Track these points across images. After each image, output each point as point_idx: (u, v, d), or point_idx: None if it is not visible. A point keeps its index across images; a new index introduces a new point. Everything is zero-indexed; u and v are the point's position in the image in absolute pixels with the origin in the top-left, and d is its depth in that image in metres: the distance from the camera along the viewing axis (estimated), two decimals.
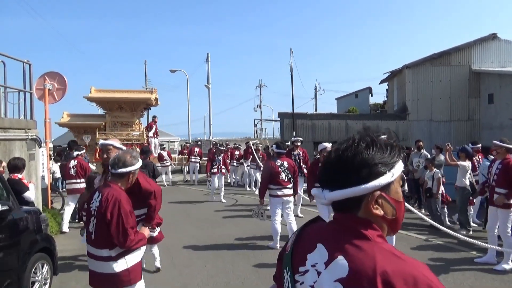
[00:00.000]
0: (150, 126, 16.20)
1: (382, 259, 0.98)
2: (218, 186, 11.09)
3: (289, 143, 10.42)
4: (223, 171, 11.27)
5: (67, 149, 10.15)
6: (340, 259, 1.03)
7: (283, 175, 6.22)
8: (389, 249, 1.02)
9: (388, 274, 0.94)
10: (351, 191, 1.08)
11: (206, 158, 13.84)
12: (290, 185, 6.31)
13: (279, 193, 6.21)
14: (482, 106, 14.50)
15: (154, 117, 16.63)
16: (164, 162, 14.64)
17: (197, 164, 15.02)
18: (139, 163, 3.10)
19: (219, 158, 11.19)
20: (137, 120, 16.03)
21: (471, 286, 4.59)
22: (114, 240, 2.82)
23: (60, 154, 11.98)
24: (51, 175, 10.23)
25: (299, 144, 9.37)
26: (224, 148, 11.79)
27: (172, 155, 16.72)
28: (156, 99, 16.48)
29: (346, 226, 1.10)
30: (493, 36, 14.74)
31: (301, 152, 9.20)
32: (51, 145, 13.51)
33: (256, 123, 32.42)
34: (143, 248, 3.20)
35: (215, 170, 11.01)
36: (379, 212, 1.08)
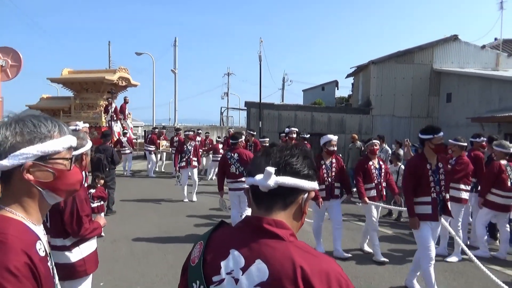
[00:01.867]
0: (122, 108, 15.25)
1: (298, 258, 0.99)
2: (190, 183, 9.30)
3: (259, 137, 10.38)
4: (194, 163, 9.27)
5: None
6: (258, 263, 1.01)
7: (233, 168, 6.07)
8: (303, 247, 1.04)
9: (307, 273, 0.97)
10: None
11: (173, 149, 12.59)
12: (243, 178, 5.91)
13: (232, 186, 6.08)
14: (441, 104, 15.13)
15: (124, 98, 15.90)
16: (124, 149, 13.12)
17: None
18: (89, 143, 2.96)
19: (189, 147, 9.19)
20: (102, 102, 15.32)
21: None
22: (67, 229, 2.68)
23: None
24: None
25: (294, 135, 8.54)
26: (190, 133, 9.75)
27: (138, 141, 16.32)
28: (123, 78, 15.68)
29: (257, 228, 1.07)
30: (454, 38, 15.35)
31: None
32: None
33: (222, 111, 32.22)
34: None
35: (184, 163, 9.10)
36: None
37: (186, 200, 9.02)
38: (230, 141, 6.34)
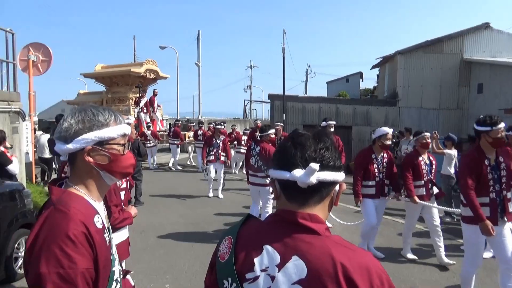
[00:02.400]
0: (151, 100, 15.40)
1: (338, 254, 0.96)
2: (216, 178, 8.91)
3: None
4: (222, 158, 8.91)
5: (55, 123, 9.91)
6: (295, 259, 0.97)
7: (253, 160, 5.91)
8: (340, 242, 1.00)
9: (347, 269, 0.93)
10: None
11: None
12: (263, 174, 5.71)
13: (251, 180, 5.91)
14: (471, 95, 14.60)
15: (153, 90, 15.99)
16: (148, 142, 12.92)
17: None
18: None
19: (218, 141, 8.92)
20: (131, 95, 15.62)
21: (453, 272, 4.67)
22: None
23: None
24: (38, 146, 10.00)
25: (332, 130, 7.18)
26: (222, 127, 9.43)
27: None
28: (150, 71, 15.72)
29: (291, 222, 1.02)
30: (486, 26, 14.73)
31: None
32: (36, 118, 13.19)
33: (245, 104, 32.24)
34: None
35: (212, 157, 8.80)
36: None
37: (210, 195, 8.81)
38: (257, 133, 6.22)
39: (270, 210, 5.82)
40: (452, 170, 7.39)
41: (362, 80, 27.49)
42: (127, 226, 2.98)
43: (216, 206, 7.96)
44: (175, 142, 13.38)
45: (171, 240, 5.74)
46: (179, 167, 13.35)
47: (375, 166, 5.03)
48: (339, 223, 6.14)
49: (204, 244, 5.56)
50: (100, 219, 1.27)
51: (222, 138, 8.99)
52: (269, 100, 16.28)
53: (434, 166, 5.16)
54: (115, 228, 2.86)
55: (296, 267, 0.97)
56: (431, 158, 5.22)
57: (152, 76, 16.00)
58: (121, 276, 1.42)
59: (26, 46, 8.75)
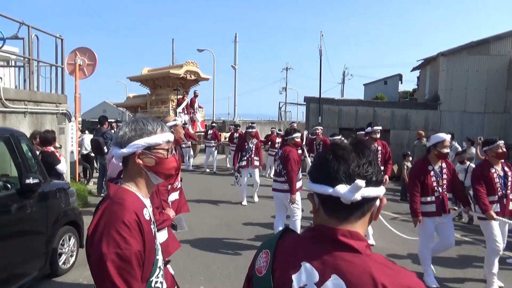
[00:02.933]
0: (191, 102, 15.66)
1: (379, 274, 0.93)
2: (251, 183, 8.56)
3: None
4: (256, 163, 8.53)
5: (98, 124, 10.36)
6: (334, 278, 0.95)
7: (275, 164, 5.71)
8: (381, 261, 0.97)
9: None
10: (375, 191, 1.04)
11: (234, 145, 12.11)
12: (282, 179, 5.30)
13: (274, 185, 5.52)
14: None
15: (194, 91, 16.17)
16: (183, 143, 12.69)
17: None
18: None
19: (251, 145, 8.48)
20: (173, 97, 15.73)
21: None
22: None
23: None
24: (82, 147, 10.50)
25: (378, 136, 6.25)
26: (253, 130, 8.78)
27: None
28: (191, 72, 15.72)
29: (330, 239, 1.00)
30: None
31: (379, 147, 6.21)
32: (79, 119, 13.85)
33: (280, 106, 32.18)
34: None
35: (244, 162, 8.37)
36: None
37: (244, 203, 8.31)
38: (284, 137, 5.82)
39: (299, 218, 5.41)
40: None
41: (401, 83, 26.68)
42: (166, 227, 3.07)
43: (250, 210, 8.01)
44: (211, 144, 13.40)
45: (205, 241, 5.84)
46: (214, 170, 13.27)
47: (433, 178, 4.36)
48: (396, 234, 5.41)
49: (237, 246, 5.62)
50: (148, 212, 1.49)
51: (255, 142, 8.61)
52: (305, 103, 16.17)
53: (510, 179, 4.46)
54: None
55: (335, 286, 0.95)
56: (506, 168, 4.53)
57: (193, 77, 16.05)
58: (164, 264, 1.64)
59: (73, 51, 9.23)
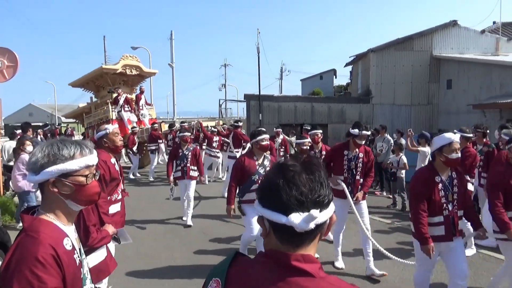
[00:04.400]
0: (137, 98, 14.12)
1: None
2: (185, 198, 6.96)
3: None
4: (192, 173, 6.92)
5: (21, 131, 9.49)
6: None
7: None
8: (336, 283, 0.97)
9: None
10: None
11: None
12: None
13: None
14: (441, 91, 15.05)
15: (140, 87, 14.57)
16: (153, 144, 11.94)
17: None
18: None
19: (186, 152, 6.92)
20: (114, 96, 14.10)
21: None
22: None
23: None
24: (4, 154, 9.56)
25: (362, 142, 4.76)
26: (189, 134, 7.27)
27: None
28: (131, 67, 14.02)
29: (284, 265, 0.97)
30: (454, 23, 15.19)
31: (360, 154, 4.81)
32: (1, 123, 12.57)
33: (221, 103, 32.03)
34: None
35: (179, 173, 6.89)
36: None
37: (185, 218, 6.93)
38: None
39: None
40: None
41: (336, 77, 27.87)
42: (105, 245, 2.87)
43: (199, 212, 7.84)
44: (152, 147, 12.14)
45: (150, 249, 5.62)
46: (152, 178, 11.83)
47: (442, 193, 3.25)
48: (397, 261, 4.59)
49: (185, 252, 5.48)
50: (70, 242, 1.40)
51: (191, 148, 7.03)
52: (245, 100, 16.24)
53: None
54: (94, 248, 2.75)
55: None
56: None
57: (135, 72, 14.36)
58: None
59: None
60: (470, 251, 5.25)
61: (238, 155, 9.97)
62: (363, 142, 4.76)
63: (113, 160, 3.52)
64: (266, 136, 4.67)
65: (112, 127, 3.64)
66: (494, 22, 18.04)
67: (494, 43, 15.29)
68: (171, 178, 6.87)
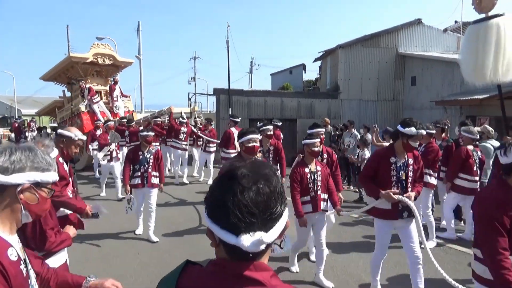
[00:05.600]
0: (110, 89, 13.11)
1: None
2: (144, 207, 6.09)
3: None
4: (154, 180, 5.94)
5: None
6: None
7: None
8: None
9: None
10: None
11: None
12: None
13: None
14: (406, 87, 15.50)
15: (113, 78, 13.52)
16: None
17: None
18: (54, 151, 2.88)
19: (147, 155, 5.90)
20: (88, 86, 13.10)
21: (397, 262, 4.92)
22: (30, 244, 2.49)
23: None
24: None
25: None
26: (149, 134, 6.01)
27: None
28: (104, 56, 13.09)
29: (235, 275, 0.94)
30: (418, 22, 15.63)
31: (409, 160, 4.00)
32: None
33: (190, 97, 31.58)
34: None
35: (138, 180, 5.85)
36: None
37: (138, 231, 6.14)
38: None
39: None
40: None
41: (305, 72, 28.15)
42: (66, 248, 2.73)
43: (166, 203, 7.68)
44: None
45: (115, 249, 5.46)
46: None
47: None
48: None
49: (150, 251, 5.37)
50: (15, 251, 1.34)
51: (153, 151, 6.01)
52: (214, 94, 16.07)
53: None
54: (52, 252, 2.62)
55: None
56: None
57: (108, 61, 13.37)
58: None
59: None
60: (432, 244, 5.45)
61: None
62: (417, 144, 3.88)
63: (61, 159, 3.41)
64: (255, 136, 4.30)
65: (79, 136, 3.52)
66: (456, 21, 18.73)
67: (456, 42, 15.88)
68: (128, 186, 5.82)
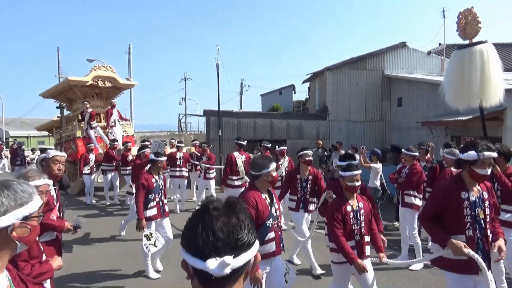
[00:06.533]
0: (107, 113, 12.55)
1: None
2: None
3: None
4: (167, 209, 5.53)
5: None
6: None
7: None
8: None
9: None
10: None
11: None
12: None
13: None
14: (393, 108, 15.81)
15: (110, 102, 12.77)
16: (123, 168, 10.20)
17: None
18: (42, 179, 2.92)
19: (160, 182, 5.42)
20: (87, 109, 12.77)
21: (383, 284, 4.94)
22: None
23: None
24: None
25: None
26: (165, 158, 5.83)
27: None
28: (104, 78, 12.84)
29: None
30: (403, 45, 16.10)
31: (484, 194, 3.11)
32: None
33: (180, 118, 31.66)
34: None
35: (154, 210, 5.25)
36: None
37: (154, 276, 5.27)
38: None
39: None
40: (378, 183, 7.93)
41: (295, 93, 28.48)
42: (48, 280, 2.71)
43: None
44: (106, 167, 10.64)
45: (102, 274, 5.39)
46: (117, 201, 10.75)
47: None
48: None
49: (139, 276, 5.31)
50: None
51: (162, 176, 5.59)
52: (204, 116, 16.17)
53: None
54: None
55: None
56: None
57: (109, 84, 13.08)
58: None
59: None
60: (418, 265, 5.50)
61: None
62: (489, 171, 2.96)
63: (49, 183, 3.42)
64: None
65: (54, 153, 3.55)
66: (439, 44, 19.29)
67: (439, 64, 16.34)
68: (144, 221, 5.04)
